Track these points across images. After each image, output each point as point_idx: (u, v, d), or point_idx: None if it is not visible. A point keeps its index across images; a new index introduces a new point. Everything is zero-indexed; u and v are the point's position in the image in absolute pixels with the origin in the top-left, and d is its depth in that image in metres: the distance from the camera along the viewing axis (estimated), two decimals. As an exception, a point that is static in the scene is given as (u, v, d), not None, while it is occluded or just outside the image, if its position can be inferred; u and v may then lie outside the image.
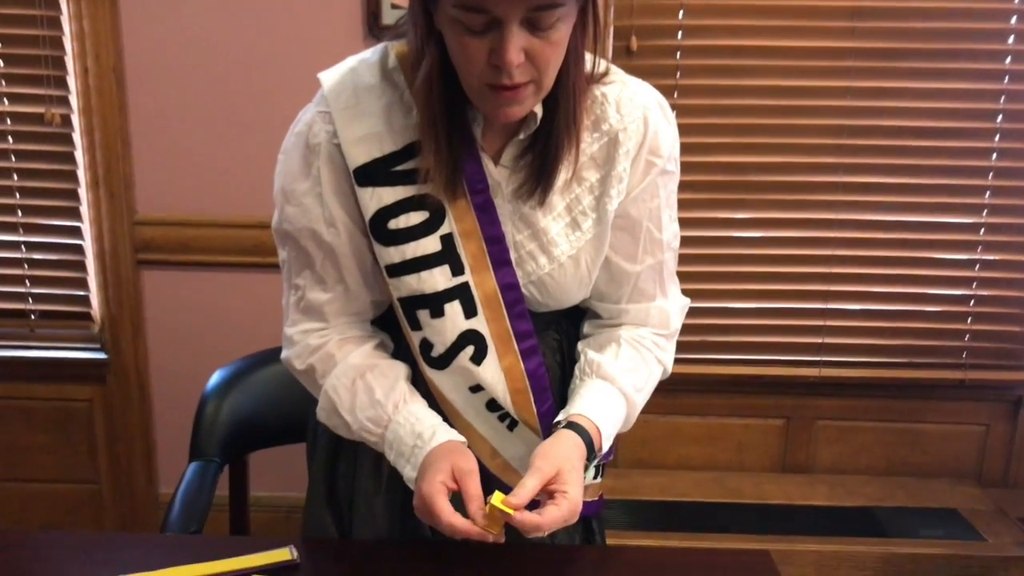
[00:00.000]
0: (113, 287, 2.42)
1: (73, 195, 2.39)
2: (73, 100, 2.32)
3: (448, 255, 1.10)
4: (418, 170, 1.06)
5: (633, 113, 1.11)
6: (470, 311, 1.11)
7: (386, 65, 1.09)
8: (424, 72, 1.01)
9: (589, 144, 1.11)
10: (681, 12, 2.31)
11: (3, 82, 2.32)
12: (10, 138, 2.36)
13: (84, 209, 2.39)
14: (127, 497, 2.60)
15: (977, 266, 2.46)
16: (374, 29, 2.25)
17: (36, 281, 2.46)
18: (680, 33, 2.33)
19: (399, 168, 1.07)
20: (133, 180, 2.38)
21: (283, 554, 1.14)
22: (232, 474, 1.65)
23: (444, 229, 1.09)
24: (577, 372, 1.20)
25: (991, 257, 2.45)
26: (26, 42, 2.29)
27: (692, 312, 2.38)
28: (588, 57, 1.09)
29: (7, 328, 2.48)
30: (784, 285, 2.47)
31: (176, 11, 2.27)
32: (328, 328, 1.17)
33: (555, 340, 1.25)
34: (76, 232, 2.41)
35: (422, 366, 1.15)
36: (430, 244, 1.09)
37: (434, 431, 1.10)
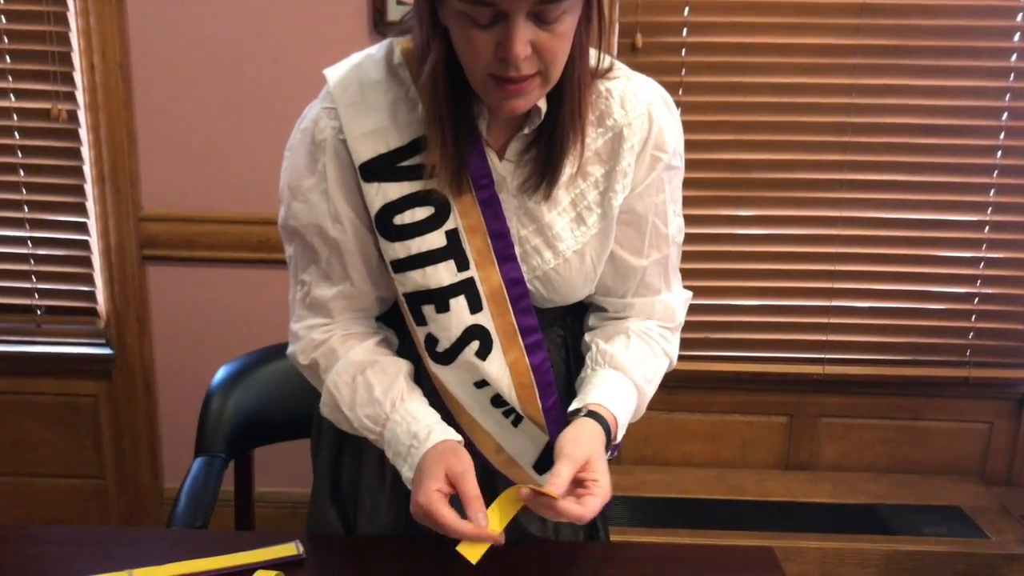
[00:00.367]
0: (119, 283, 2.43)
1: (79, 191, 2.40)
2: (79, 96, 2.32)
3: (453, 250, 1.10)
4: (424, 165, 1.06)
5: (637, 108, 1.11)
6: (475, 306, 1.11)
7: (391, 61, 1.09)
8: (430, 67, 1.01)
9: (594, 139, 1.11)
10: (686, 9, 2.31)
11: (10, 78, 2.33)
12: (16, 134, 2.37)
13: (90, 205, 2.40)
14: (132, 492, 2.61)
15: (981, 264, 2.46)
16: (380, 26, 2.25)
17: (42, 277, 2.47)
18: (685, 30, 2.33)
19: (405, 163, 1.07)
20: (139, 176, 2.38)
21: (289, 549, 1.14)
22: (237, 469, 1.66)
23: (449, 224, 1.09)
24: (588, 362, 1.20)
25: (995, 255, 2.45)
26: (33, 38, 2.30)
27: (696, 309, 2.40)
28: (592, 52, 1.09)
29: (13, 323, 2.49)
30: (788, 282, 2.47)
31: (182, 8, 2.27)
32: (332, 324, 1.17)
33: (560, 337, 1.25)
34: (82, 228, 2.42)
35: (427, 362, 1.15)
36: (435, 239, 1.09)
37: (430, 431, 1.10)
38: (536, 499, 1.02)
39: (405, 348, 1.20)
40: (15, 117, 2.35)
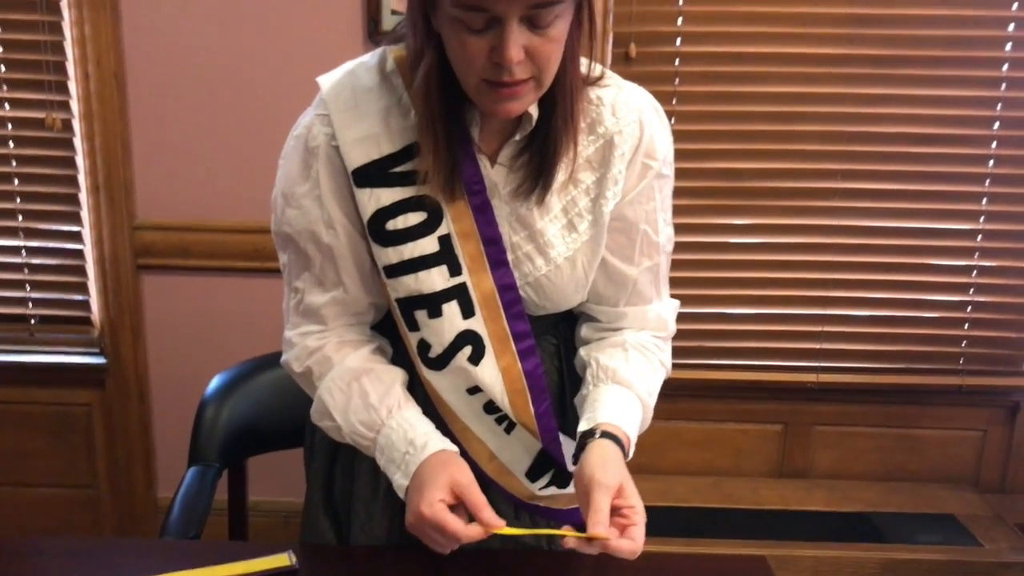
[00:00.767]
0: (113, 292, 2.43)
1: (73, 200, 2.40)
2: (74, 105, 2.32)
3: (446, 255, 1.10)
4: (416, 171, 1.07)
5: (628, 116, 1.12)
6: (468, 311, 1.12)
7: (384, 68, 1.10)
8: (423, 72, 1.02)
9: (585, 147, 1.12)
10: (680, 19, 2.32)
11: (4, 87, 2.33)
12: (11, 143, 2.36)
13: (84, 214, 2.39)
14: (126, 502, 2.60)
15: (974, 272, 2.47)
16: (374, 35, 2.25)
17: (36, 286, 2.46)
18: (679, 40, 2.34)
19: (397, 169, 1.08)
20: (133, 185, 2.38)
21: (282, 559, 1.14)
22: (231, 479, 1.66)
23: (442, 230, 1.10)
24: (589, 378, 1.19)
25: (988, 263, 2.46)
26: (28, 47, 2.30)
27: (691, 317, 2.41)
28: (584, 60, 1.10)
29: (7, 332, 2.49)
30: (782, 291, 2.48)
31: (177, 17, 2.27)
32: (327, 331, 1.17)
33: (553, 345, 1.25)
34: (76, 237, 2.42)
35: (420, 368, 1.16)
36: (428, 245, 1.10)
37: (427, 439, 1.10)
38: (586, 545, 1.00)
39: (398, 356, 1.21)
40: (10, 126, 2.35)
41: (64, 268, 2.45)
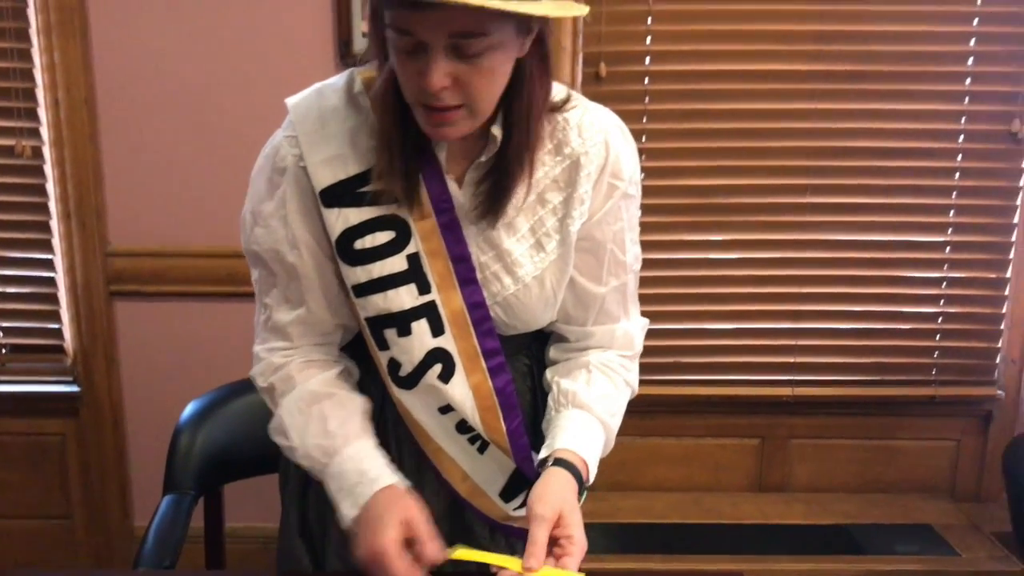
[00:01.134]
0: (86, 319, 2.41)
1: (44, 227, 2.38)
2: (44, 132, 2.31)
3: (414, 274, 1.11)
4: (384, 191, 1.08)
5: (595, 137, 1.13)
6: (437, 329, 1.12)
7: (352, 89, 1.11)
8: (380, 83, 1.04)
9: (552, 167, 1.13)
10: (648, 38, 2.35)
11: (-27, 115, 2.32)
12: (-20, 171, 2.35)
13: (56, 241, 2.38)
14: (102, 531, 2.57)
15: (944, 284, 2.50)
16: (345, 58, 2.26)
17: (7, 314, 2.44)
18: (648, 59, 2.36)
19: (364, 189, 1.09)
20: (105, 211, 2.37)
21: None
22: (207, 505, 1.64)
23: (410, 248, 1.11)
24: (551, 403, 1.20)
25: (957, 275, 2.49)
26: (-4, 75, 2.29)
27: (665, 333, 2.42)
28: (559, 86, 1.11)
29: (-22, 362, 2.46)
30: (754, 305, 2.50)
31: (147, 43, 2.27)
32: (293, 349, 1.17)
33: (525, 365, 1.25)
34: (48, 264, 2.40)
35: (391, 387, 1.16)
36: (396, 263, 1.10)
37: (380, 472, 1.09)
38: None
39: (370, 376, 1.21)
40: (-21, 154, 2.34)
41: (36, 296, 2.43)
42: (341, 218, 1.09)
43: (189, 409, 1.64)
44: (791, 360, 2.52)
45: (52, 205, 2.36)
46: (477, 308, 1.13)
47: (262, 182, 1.13)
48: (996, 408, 2.56)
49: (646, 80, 2.37)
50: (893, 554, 2.28)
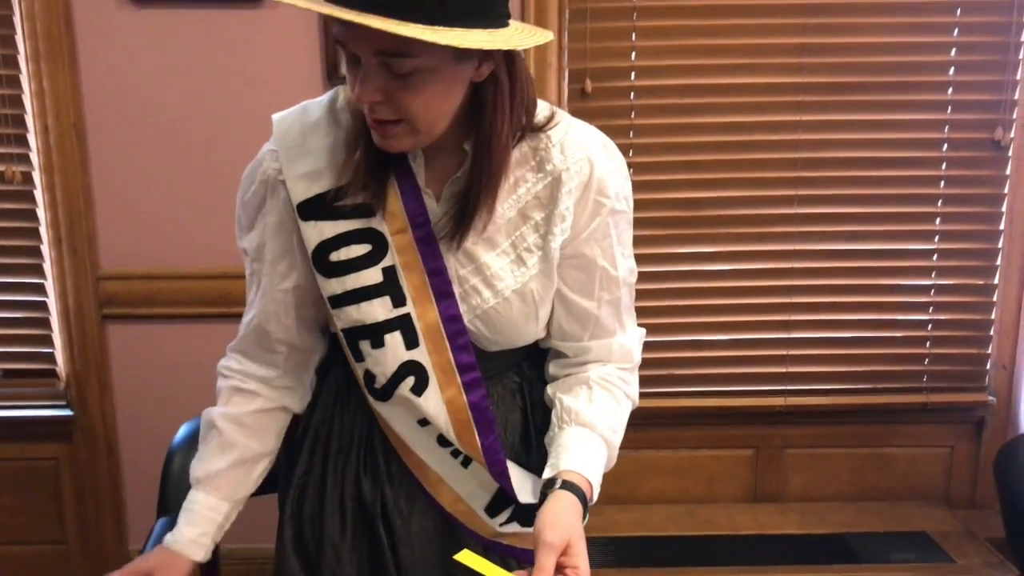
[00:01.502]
0: (78, 343, 2.41)
1: (36, 252, 2.38)
2: (34, 158, 2.32)
3: (389, 286, 1.13)
4: (362, 205, 1.11)
5: (577, 155, 1.13)
6: (411, 342, 1.14)
7: (335, 106, 1.14)
8: (348, 87, 1.07)
9: (534, 184, 1.14)
10: (633, 54, 2.37)
11: (-37, 142, 2.32)
12: (-29, 198, 2.35)
13: (47, 266, 2.38)
14: (96, 556, 2.55)
15: (933, 291, 2.51)
16: (334, 79, 2.28)
17: (-1, 340, 2.44)
18: (633, 74, 2.38)
19: (341, 203, 1.11)
20: (96, 235, 2.37)
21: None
22: (202, 527, 1.63)
23: (387, 261, 1.13)
24: (555, 419, 1.20)
25: (946, 282, 2.51)
26: (-15, 102, 2.30)
27: (658, 346, 2.43)
28: (544, 105, 1.13)
29: (-30, 389, 2.45)
30: (746, 316, 2.51)
31: (136, 68, 2.28)
32: (242, 362, 1.24)
33: (515, 383, 1.26)
34: (40, 289, 2.40)
35: (370, 400, 1.18)
36: (371, 276, 1.12)
37: (178, 536, 1.19)
38: None
39: (354, 390, 1.22)
40: (-31, 181, 2.34)
41: (28, 321, 2.43)
42: (317, 231, 1.12)
43: (183, 431, 1.64)
44: (783, 370, 2.53)
45: (43, 230, 2.36)
46: (453, 322, 1.14)
47: (244, 188, 1.18)
48: (988, 414, 2.57)
49: (632, 95, 2.39)
50: (889, 562, 2.29)
